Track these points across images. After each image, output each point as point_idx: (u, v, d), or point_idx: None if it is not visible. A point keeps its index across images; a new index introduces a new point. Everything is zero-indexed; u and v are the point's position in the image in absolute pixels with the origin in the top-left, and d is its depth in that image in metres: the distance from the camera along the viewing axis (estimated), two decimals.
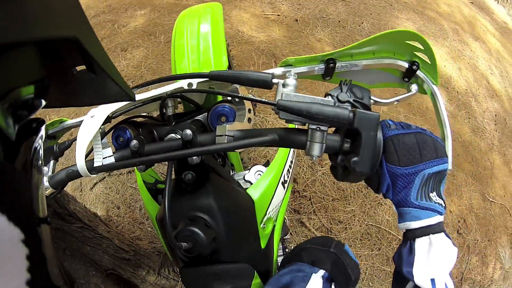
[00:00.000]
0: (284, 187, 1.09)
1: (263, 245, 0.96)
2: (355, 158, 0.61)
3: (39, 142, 0.37)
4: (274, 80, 0.68)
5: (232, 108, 0.79)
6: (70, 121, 0.90)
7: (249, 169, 1.10)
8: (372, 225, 2.56)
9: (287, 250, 1.55)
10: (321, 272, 0.88)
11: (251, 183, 1.04)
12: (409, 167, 0.66)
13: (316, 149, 0.62)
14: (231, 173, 1.17)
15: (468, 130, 3.74)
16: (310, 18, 3.87)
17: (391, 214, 2.63)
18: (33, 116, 0.37)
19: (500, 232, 3.37)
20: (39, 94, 0.36)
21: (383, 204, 2.66)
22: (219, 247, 0.79)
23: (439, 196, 0.69)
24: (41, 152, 0.39)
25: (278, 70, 0.79)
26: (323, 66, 0.79)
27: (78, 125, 0.87)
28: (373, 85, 0.91)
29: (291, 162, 1.16)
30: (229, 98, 0.79)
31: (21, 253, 0.28)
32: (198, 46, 1.21)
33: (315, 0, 4.18)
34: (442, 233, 0.67)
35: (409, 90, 0.83)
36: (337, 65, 0.80)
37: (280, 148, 1.12)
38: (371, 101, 0.69)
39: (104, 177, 2.50)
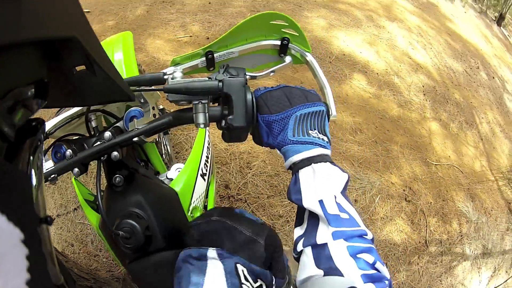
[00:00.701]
0: (204, 179, 1.23)
1: None
2: (231, 116, 0.74)
3: (39, 142, 0.38)
4: (165, 77, 0.82)
5: (140, 109, 0.93)
6: None
7: (170, 168, 1.23)
8: None
9: None
10: (211, 251, 0.77)
11: (173, 179, 1.16)
12: (281, 113, 0.76)
13: (201, 118, 0.75)
14: (156, 176, 1.26)
15: (395, 105, 3.88)
16: (221, 34, 3.71)
17: None
18: (33, 116, 0.38)
19: (455, 190, 3.52)
20: (39, 94, 0.37)
21: None
22: (152, 235, 0.89)
23: (322, 133, 0.76)
24: (41, 152, 0.39)
25: (169, 69, 0.89)
26: (205, 59, 0.92)
27: None
28: (256, 68, 1.02)
29: (207, 157, 1.30)
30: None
31: (21, 253, 0.28)
32: None
33: (225, 16, 4.37)
34: (327, 163, 0.72)
35: (283, 61, 0.95)
36: (215, 55, 0.92)
37: (194, 145, 1.27)
38: (247, 76, 0.81)
39: (54, 218, 2.44)
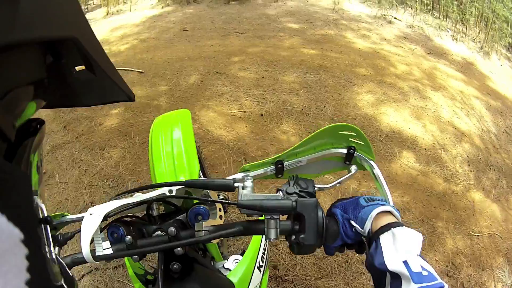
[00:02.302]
0: (260, 271, 1.24)
1: None
2: (303, 235, 0.76)
3: (39, 142, 0.38)
4: (235, 184, 0.84)
5: (206, 208, 0.92)
6: (70, 216, 0.94)
7: (227, 259, 1.25)
8: None
9: None
10: None
11: (230, 270, 1.17)
12: (351, 198, 0.84)
13: (272, 233, 0.76)
14: (212, 264, 1.29)
15: (441, 181, 3.92)
16: (275, 111, 4.12)
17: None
18: (32, 116, 0.39)
19: (494, 258, 3.45)
20: (39, 94, 0.37)
21: (365, 273, 2.82)
22: None
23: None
24: (41, 152, 0.40)
25: (238, 175, 0.93)
26: (274, 167, 0.96)
27: (78, 220, 0.91)
28: (321, 173, 1.06)
29: (264, 249, 1.32)
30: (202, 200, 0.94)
31: (21, 253, 0.28)
32: (172, 152, 1.33)
33: (278, 92, 4.45)
34: (403, 226, 0.74)
35: (349, 171, 1.00)
36: (285, 164, 0.96)
37: (252, 239, 1.30)
38: (315, 188, 0.85)
39: (92, 270, 2.57)
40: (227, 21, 7.07)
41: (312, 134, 0.92)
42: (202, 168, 1.83)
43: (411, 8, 9.52)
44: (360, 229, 0.79)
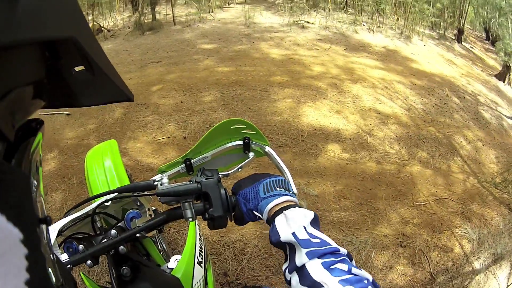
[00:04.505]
0: (201, 266, 1.36)
1: None
2: (211, 209, 0.93)
3: (38, 142, 0.39)
4: (155, 183, 1.00)
5: (137, 211, 1.09)
6: None
7: (169, 260, 1.39)
8: None
9: None
10: None
11: (173, 269, 1.29)
12: (252, 185, 0.97)
13: (188, 214, 0.93)
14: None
15: (373, 164, 4.12)
16: (197, 131, 4.33)
17: None
18: (32, 117, 0.39)
19: (449, 219, 3.68)
20: (38, 94, 0.38)
21: None
22: None
23: (287, 190, 0.96)
24: (40, 152, 0.41)
25: (157, 177, 1.07)
26: (184, 165, 1.12)
27: None
28: (228, 166, 1.23)
29: (201, 247, 1.45)
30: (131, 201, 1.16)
31: (21, 253, 0.28)
32: (106, 179, 1.54)
33: (197, 113, 4.69)
34: (296, 207, 0.89)
35: (248, 157, 1.17)
36: (192, 161, 1.12)
37: (188, 238, 1.42)
38: (220, 175, 1.00)
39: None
40: (143, 52, 7.32)
41: (208, 132, 1.08)
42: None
43: (324, 10, 10.04)
44: (261, 216, 0.94)
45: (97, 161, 1.65)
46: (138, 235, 0.99)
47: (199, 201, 0.99)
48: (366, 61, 6.97)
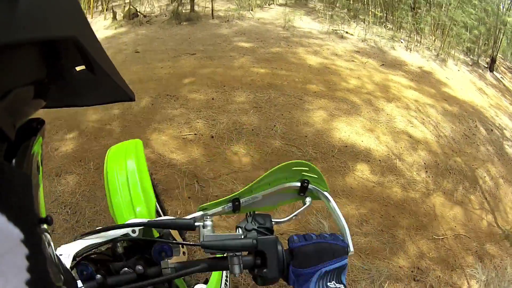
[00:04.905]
0: None
1: None
2: (265, 270, 0.84)
3: (39, 142, 0.39)
4: (196, 223, 0.89)
5: (169, 245, 0.93)
6: None
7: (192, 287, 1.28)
8: None
9: None
10: None
11: None
12: (308, 268, 0.87)
13: (236, 269, 0.83)
14: None
15: (399, 190, 4.03)
16: (225, 132, 4.23)
17: None
18: (32, 117, 0.40)
19: (463, 257, 3.56)
20: (39, 94, 0.38)
21: None
22: None
23: (339, 282, 0.90)
24: (41, 152, 0.41)
25: (197, 214, 0.99)
26: (231, 205, 1.01)
27: None
28: (276, 205, 1.12)
29: (227, 276, 1.39)
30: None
31: (21, 253, 0.29)
32: (127, 182, 1.43)
33: (228, 113, 4.58)
34: None
35: (304, 203, 1.06)
36: (241, 201, 1.02)
37: None
38: (273, 223, 0.92)
39: None
40: (178, 43, 7.18)
41: (266, 172, 0.99)
42: (156, 196, 1.85)
43: (364, 22, 9.92)
44: None
45: (119, 160, 1.56)
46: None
47: (247, 254, 0.89)
48: (401, 80, 6.84)
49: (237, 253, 0.84)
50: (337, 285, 0.90)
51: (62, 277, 0.43)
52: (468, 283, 3.37)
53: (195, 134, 4.18)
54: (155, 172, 3.56)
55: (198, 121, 4.40)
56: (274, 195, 1.07)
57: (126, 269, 0.88)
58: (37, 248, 0.34)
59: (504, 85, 10.01)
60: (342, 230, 0.98)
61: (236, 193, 1.01)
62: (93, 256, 0.93)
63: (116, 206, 1.35)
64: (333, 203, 1.03)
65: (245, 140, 4.22)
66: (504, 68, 12.05)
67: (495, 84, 9.58)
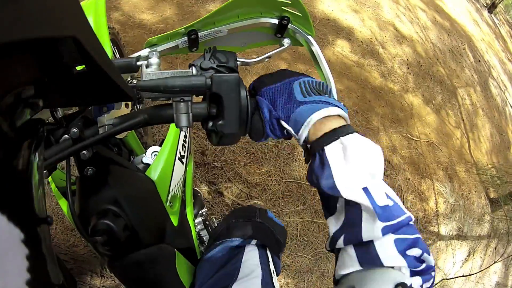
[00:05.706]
0: (182, 162, 1.13)
1: (175, 223, 1.02)
2: (221, 122, 0.65)
3: (39, 142, 0.38)
4: (138, 63, 0.72)
5: None
6: None
7: (145, 152, 1.13)
8: (290, 181, 2.62)
9: (207, 223, 1.59)
10: (253, 241, 1.04)
11: (149, 165, 1.05)
12: (282, 81, 0.66)
13: (183, 120, 0.65)
14: (131, 159, 1.18)
15: (378, 76, 3.89)
16: None
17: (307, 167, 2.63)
18: (32, 116, 0.39)
19: (433, 169, 3.55)
20: (39, 94, 0.38)
21: (297, 160, 2.72)
22: (132, 233, 0.83)
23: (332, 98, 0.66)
24: (42, 152, 0.40)
25: (144, 52, 0.80)
26: (186, 39, 0.81)
27: None
28: (246, 47, 0.94)
29: (185, 137, 1.20)
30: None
31: (21, 253, 0.29)
32: None
33: None
34: (355, 134, 0.58)
35: (281, 45, 0.85)
36: (199, 35, 0.81)
37: (171, 126, 1.14)
38: (238, 63, 0.73)
39: None
40: None
41: None
42: (122, 55, 1.87)
43: None
44: (294, 133, 0.63)
45: None
46: None
47: (201, 101, 0.70)
48: None
49: (186, 98, 0.64)
50: (335, 101, 0.63)
51: (62, 277, 0.39)
52: (435, 199, 3.41)
53: None
54: (123, 34, 3.23)
55: None
56: (243, 33, 0.88)
57: (66, 136, 0.74)
58: (37, 248, 0.33)
59: (499, 31, 9.81)
60: (326, 79, 0.83)
61: (192, 23, 0.80)
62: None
63: None
64: (316, 47, 0.84)
65: None
66: (503, 18, 11.91)
67: (491, 25, 9.35)
